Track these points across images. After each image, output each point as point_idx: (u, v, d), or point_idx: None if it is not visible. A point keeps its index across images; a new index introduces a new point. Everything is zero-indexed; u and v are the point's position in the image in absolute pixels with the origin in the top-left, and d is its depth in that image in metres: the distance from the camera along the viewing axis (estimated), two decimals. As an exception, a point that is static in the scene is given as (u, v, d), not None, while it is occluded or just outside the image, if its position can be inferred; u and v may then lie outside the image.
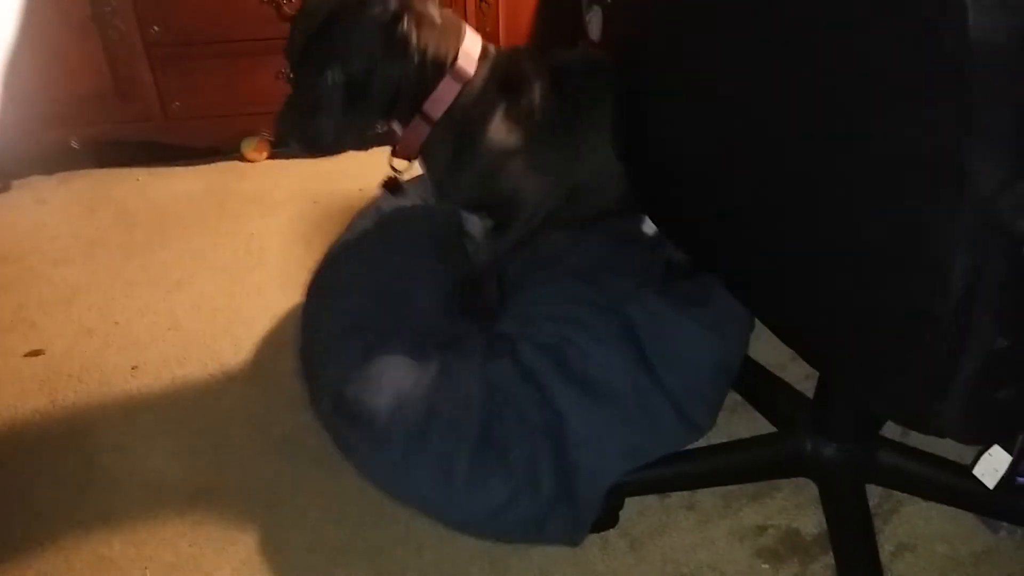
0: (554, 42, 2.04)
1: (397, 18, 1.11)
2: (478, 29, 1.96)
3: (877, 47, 0.64)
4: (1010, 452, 0.90)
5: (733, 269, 0.97)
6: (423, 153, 1.24)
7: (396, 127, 1.22)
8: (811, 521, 1.17)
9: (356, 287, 1.34)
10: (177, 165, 2.09)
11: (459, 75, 1.17)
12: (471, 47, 1.20)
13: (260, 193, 1.99)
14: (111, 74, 1.90)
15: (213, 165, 2.09)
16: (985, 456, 0.92)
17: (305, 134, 1.11)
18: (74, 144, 1.99)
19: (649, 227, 1.35)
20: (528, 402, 1.17)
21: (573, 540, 1.12)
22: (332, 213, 1.84)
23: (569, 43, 2.00)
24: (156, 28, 1.85)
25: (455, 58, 1.17)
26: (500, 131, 1.20)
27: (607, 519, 1.16)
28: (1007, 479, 0.91)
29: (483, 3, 1.93)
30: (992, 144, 0.60)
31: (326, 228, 1.51)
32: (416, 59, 1.15)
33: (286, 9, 1.82)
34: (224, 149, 2.09)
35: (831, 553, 1.11)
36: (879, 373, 0.79)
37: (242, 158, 2.10)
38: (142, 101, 1.94)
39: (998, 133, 0.59)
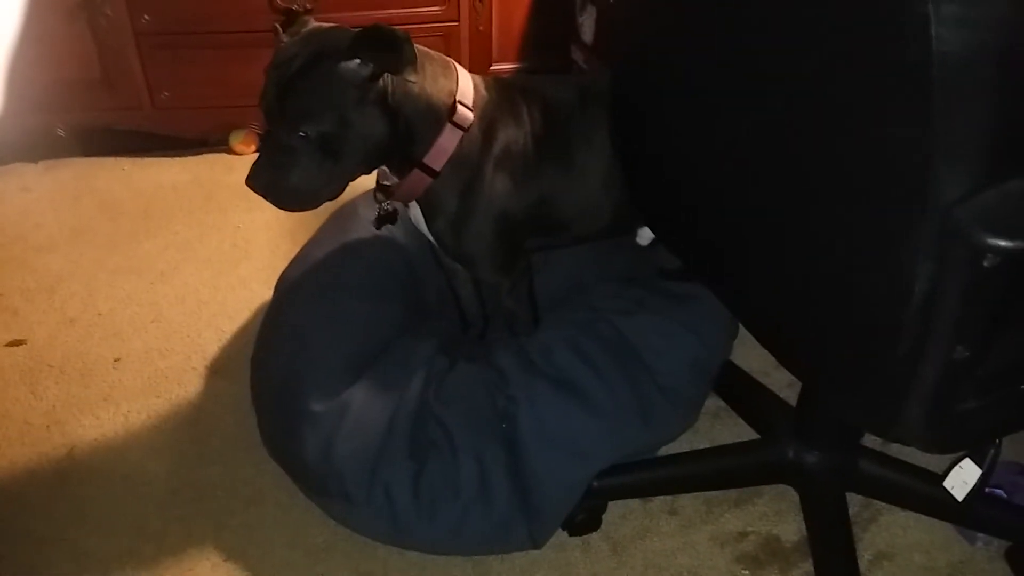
0: (547, 43, 2.04)
1: (377, 73, 1.02)
2: (472, 28, 1.98)
3: (848, 53, 0.65)
4: (980, 465, 0.90)
5: (718, 273, 0.98)
6: (424, 204, 1.16)
7: (385, 169, 1.15)
8: (791, 528, 1.18)
9: (305, 325, 1.28)
10: (164, 155, 2.07)
11: (459, 123, 1.10)
12: (466, 88, 1.11)
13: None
14: (99, 62, 1.88)
15: (200, 156, 2.07)
16: (956, 468, 0.93)
17: (278, 191, 1.05)
18: (60, 131, 1.97)
19: (643, 238, 1.34)
20: (483, 409, 1.15)
21: (536, 544, 1.11)
22: (319, 208, 1.83)
23: (562, 45, 2.00)
24: (147, 17, 1.83)
25: (453, 105, 1.09)
26: (505, 182, 1.14)
27: (589, 522, 1.16)
28: (976, 491, 0.92)
29: (478, 2, 1.93)
30: (954, 155, 0.61)
31: (312, 223, 1.50)
32: (404, 114, 1.06)
33: (279, 2, 1.81)
34: (212, 141, 2.07)
35: (810, 560, 1.12)
36: (847, 378, 0.80)
37: (230, 150, 2.08)
38: (130, 90, 1.92)
39: (960, 144, 0.60)
